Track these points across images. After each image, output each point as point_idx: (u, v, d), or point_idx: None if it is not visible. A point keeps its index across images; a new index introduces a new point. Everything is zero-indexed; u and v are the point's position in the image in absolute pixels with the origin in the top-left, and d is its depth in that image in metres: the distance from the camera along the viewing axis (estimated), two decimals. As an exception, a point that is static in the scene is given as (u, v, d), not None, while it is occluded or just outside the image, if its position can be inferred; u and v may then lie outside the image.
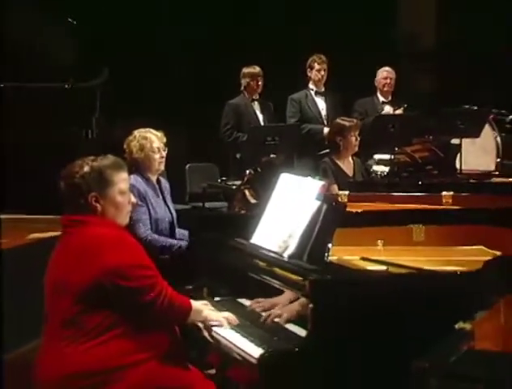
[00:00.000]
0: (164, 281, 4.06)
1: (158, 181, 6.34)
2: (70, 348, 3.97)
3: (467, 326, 3.01)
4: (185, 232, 6.14)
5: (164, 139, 6.28)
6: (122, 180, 4.12)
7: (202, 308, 4.22)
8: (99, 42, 9.13)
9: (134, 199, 4.30)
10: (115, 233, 4.08)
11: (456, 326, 3.02)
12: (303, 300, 3.91)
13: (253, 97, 9.52)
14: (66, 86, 8.25)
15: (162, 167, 6.30)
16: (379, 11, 11.35)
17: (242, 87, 9.51)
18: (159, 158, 6.24)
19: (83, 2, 9.27)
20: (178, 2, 10.79)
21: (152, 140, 6.21)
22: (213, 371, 4.40)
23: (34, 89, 8.34)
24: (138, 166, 6.19)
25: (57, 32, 8.90)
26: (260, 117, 9.50)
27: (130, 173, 6.13)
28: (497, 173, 7.66)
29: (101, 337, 3.95)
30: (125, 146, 6.24)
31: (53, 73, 8.50)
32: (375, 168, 8.53)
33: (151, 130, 6.27)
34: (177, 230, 6.30)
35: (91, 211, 4.07)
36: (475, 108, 8.29)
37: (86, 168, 4.06)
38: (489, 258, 4.19)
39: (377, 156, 8.53)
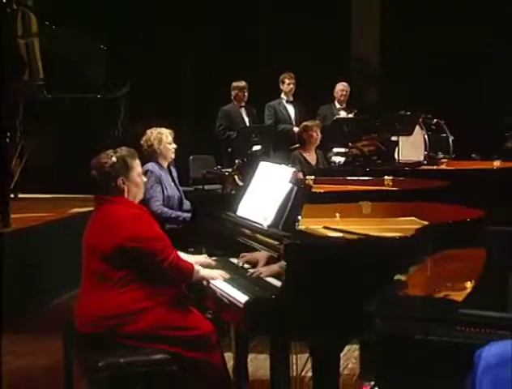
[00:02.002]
0: (173, 249, 4.10)
1: (168, 167, 6.35)
2: (99, 295, 3.99)
3: (403, 277, 3.01)
4: (190, 205, 6.18)
5: (173, 135, 6.29)
6: (138, 165, 4.19)
7: (200, 269, 4.22)
8: (122, 63, 9.09)
9: (145, 179, 4.36)
10: (135, 211, 4.16)
11: (395, 277, 3.01)
12: (279, 259, 3.90)
13: (241, 104, 9.58)
14: (99, 96, 8.24)
15: (173, 156, 6.33)
16: (337, 40, 11.40)
17: (232, 97, 9.59)
18: (172, 148, 6.27)
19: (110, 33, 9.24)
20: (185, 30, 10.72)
21: (167, 135, 6.28)
22: (209, 314, 4.38)
23: (75, 99, 8.33)
24: (155, 156, 6.22)
25: (92, 55, 8.86)
26: (246, 119, 9.57)
27: (148, 161, 6.15)
28: (424, 162, 7.68)
29: (123, 288, 3.98)
30: (143, 140, 6.24)
31: (88, 86, 8.48)
32: (334, 158, 8.56)
33: (163, 128, 6.27)
34: (185, 203, 6.33)
35: (118, 192, 4.09)
36: (409, 113, 8.29)
37: (113, 159, 4.07)
38: (419, 226, 4.19)
39: (335, 150, 8.54)
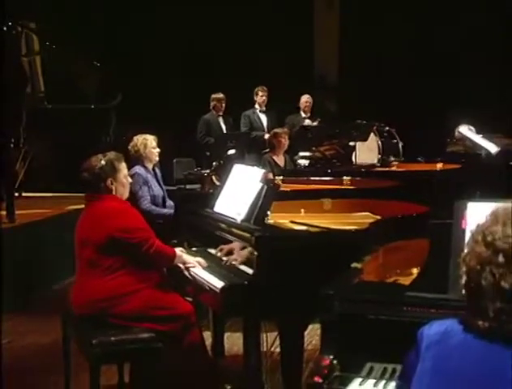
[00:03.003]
0: (156, 238, 4.09)
1: (153, 169, 6.31)
2: (92, 281, 3.98)
3: (359, 265, 3.00)
4: (172, 203, 6.14)
5: (157, 141, 6.26)
6: (124, 167, 4.18)
7: (182, 255, 4.21)
8: (113, 77, 9.06)
9: (131, 180, 4.35)
10: (122, 206, 4.13)
11: (351, 265, 3.01)
12: (250, 249, 3.89)
13: (219, 114, 9.56)
14: (93, 107, 8.20)
15: (157, 159, 6.30)
16: (302, 58, 11.42)
17: (211, 107, 9.55)
18: (156, 153, 6.24)
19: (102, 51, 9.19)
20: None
21: (152, 141, 6.24)
22: (190, 298, 4.37)
23: (72, 109, 8.30)
24: (141, 159, 6.17)
25: (87, 71, 8.82)
26: (223, 127, 9.54)
27: (135, 164, 6.12)
28: (378, 164, 7.68)
29: (113, 274, 3.97)
30: (131, 146, 6.20)
31: (83, 98, 8.44)
32: (299, 161, 8.50)
33: (148, 135, 6.24)
34: (168, 201, 6.29)
35: (107, 191, 4.08)
36: (364, 122, 8.30)
37: (102, 162, 4.06)
38: (373, 220, 4.20)
39: (300, 153, 8.49)
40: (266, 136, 8.96)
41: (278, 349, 3.99)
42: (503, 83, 8.99)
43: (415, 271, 3.01)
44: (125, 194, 4.22)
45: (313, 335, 4.97)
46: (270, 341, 4.31)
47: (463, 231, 2.48)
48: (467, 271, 1.82)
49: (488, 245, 1.78)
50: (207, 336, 4.67)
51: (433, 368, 1.79)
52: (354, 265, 3.01)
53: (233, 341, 5.13)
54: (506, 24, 10.14)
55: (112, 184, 4.09)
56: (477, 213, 1.92)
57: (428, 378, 1.79)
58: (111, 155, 4.17)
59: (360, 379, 2.54)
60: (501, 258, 1.76)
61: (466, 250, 1.84)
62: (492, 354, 1.75)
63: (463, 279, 1.84)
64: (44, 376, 4.82)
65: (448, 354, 1.79)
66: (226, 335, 5.01)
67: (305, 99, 10.03)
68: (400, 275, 3.09)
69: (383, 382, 2.51)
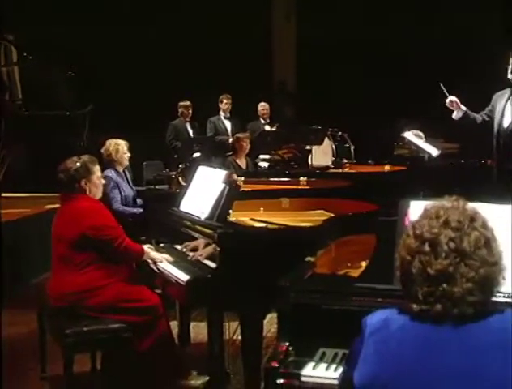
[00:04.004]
0: (125, 235, 4.07)
1: (124, 171, 6.25)
2: (66, 276, 3.95)
3: (312, 259, 3.01)
4: (140, 200, 6.11)
5: (128, 145, 6.20)
6: (98, 169, 4.14)
7: (150, 252, 4.19)
8: (87, 85, 9.00)
9: (103, 182, 4.31)
10: (95, 205, 4.09)
11: (305, 259, 3.02)
12: (213, 245, 3.88)
13: (186, 120, 9.54)
14: (67, 113, 8.13)
15: (128, 162, 6.23)
16: (262, 67, 11.42)
17: (179, 113, 9.53)
18: (127, 157, 6.18)
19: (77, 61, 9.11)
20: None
21: (123, 146, 6.14)
22: (158, 291, 4.34)
23: (48, 115, 8.21)
24: (113, 163, 6.10)
25: (62, 80, 8.75)
26: (190, 132, 9.51)
27: (107, 167, 6.06)
28: (332, 166, 7.72)
29: (85, 269, 3.94)
30: (103, 150, 6.13)
31: (59, 105, 8.37)
32: (260, 164, 8.55)
33: (119, 140, 6.18)
34: (138, 200, 6.25)
35: (81, 191, 4.04)
36: (319, 127, 8.34)
37: (77, 164, 4.02)
38: (326, 217, 4.21)
39: (261, 156, 8.53)
40: (230, 140, 8.95)
41: (239, 337, 3.97)
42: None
43: (363, 263, 3.02)
44: (98, 195, 4.19)
45: (272, 323, 4.95)
46: (232, 330, 4.31)
47: (406, 227, 2.50)
48: (401, 262, 1.86)
49: (417, 236, 1.83)
50: (174, 326, 4.65)
51: (376, 352, 1.82)
52: (308, 259, 3.02)
53: (198, 330, 5.11)
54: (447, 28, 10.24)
55: (86, 185, 4.06)
56: (419, 211, 1.93)
57: (372, 361, 1.81)
58: (85, 158, 4.14)
59: (313, 363, 2.55)
60: (426, 247, 1.80)
61: (399, 244, 1.87)
62: (425, 333, 1.79)
63: (398, 270, 1.87)
64: (21, 364, 4.76)
65: (388, 338, 1.82)
66: (192, 324, 4.99)
67: (262, 106, 10.02)
68: (350, 267, 3.10)
69: (334, 365, 2.53)
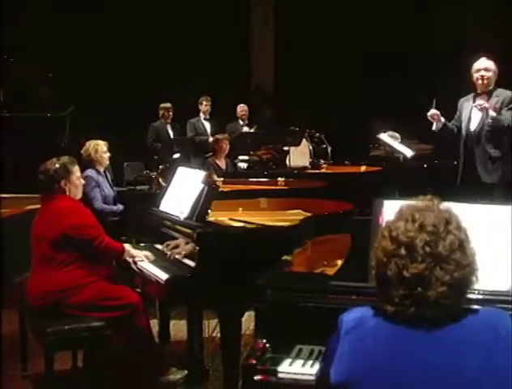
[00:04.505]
0: (105, 234, 4.05)
1: (104, 172, 6.22)
2: (47, 274, 3.92)
3: (289, 257, 3.01)
4: (121, 206, 6.07)
5: (108, 146, 6.16)
6: (77, 170, 4.12)
7: (130, 250, 4.17)
8: (68, 87, 8.94)
9: (83, 182, 4.28)
10: (75, 205, 4.06)
11: (282, 257, 3.01)
12: (193, 244, 3.87)
13: (167, 121, 9.50)
14: (49, 115, 8.08)
15: (108, 162, 6.20)
16: (241, 71, 11.42)
17: (160, 115, 9.48)
18: (107, 157, 6.14)
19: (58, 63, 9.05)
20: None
21: (102, 146, 6.11)
22: (139, 289, 4.33)
23: (29, 117, 8.14)
24: (93, 163, 6.06)
25: (43, 82, 8.69)
26: (171, 133, 9.46)
27: (87, 167, 6.02)
28: (309, 167, 7.73)
29: (66, 268, 3.91)
30: (83, 150, 6.09)
31: (40, 107, 8.31)
32: (239, 164, 8.54)
33: (99, 140, 6.14)
34: (118, 204, 6.20)
35: (61, 192, 4.02)
36: (297, 128, 8.35)
37: (57, 165, 4.00)
38: (303, 217, 4.22)
39: (240, 157, 8.52)
40: (211, 139, 8.94)
41: (218, 335, 3.97)
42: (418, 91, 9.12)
43: (339, 262, 3.03)
44: (78, 195, 4.16)
45: (250, 321, 4.94)
46: (212, 327, 4.31)
47: (380, 226, 2.49)
48: (376, 263, 1.85)
49: (393, 239, 1.81)
50: (154, 324, 4.63)
51: (351, 350, 1.82)
52: (285, 257, 3.01)
53: (178, 328, 5.09)
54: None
55: (65, 185, 4.03)
56: (393, 210, 1.93)
57: (347, 358, 1.81)
58: (64, 158, 4.12)
59: (289, 360, 2.55)
60: (402, 251, 1.79)
61: (375, 244, 1.87)
62: (399, 333, 1.79)
63: (373, 270, 1.86)
64: (2, 362, 4.70)
65: (363, 336, 1.82)
66: (172, 322, 4.98)
67: (241, 108, 10.00)
68: (326, 266, 3.10)
69: (310, 362, 2.53)
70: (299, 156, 8.10)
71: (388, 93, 9.93)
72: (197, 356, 4.36)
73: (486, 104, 5.35)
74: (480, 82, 5.54)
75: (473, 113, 5.60)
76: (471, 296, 2.18)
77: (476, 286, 1.89)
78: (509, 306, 2.37)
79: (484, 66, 5.55)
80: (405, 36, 10.50)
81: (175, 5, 10.95)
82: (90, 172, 5.95)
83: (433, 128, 5.72)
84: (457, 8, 9.87)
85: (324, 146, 8.58)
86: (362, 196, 3.79)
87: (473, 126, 5.59)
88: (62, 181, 4.01)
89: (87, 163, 6.01)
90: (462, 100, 5.77)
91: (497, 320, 1.81)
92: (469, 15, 9.77)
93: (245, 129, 9.70)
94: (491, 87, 5.57)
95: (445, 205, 1.89)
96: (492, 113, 5.33)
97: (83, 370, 4.31)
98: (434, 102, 5.68)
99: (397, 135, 8.12)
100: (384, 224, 1.90)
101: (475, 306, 1.92)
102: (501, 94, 5.54)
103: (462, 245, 1.81)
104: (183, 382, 4.24)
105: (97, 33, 10.53)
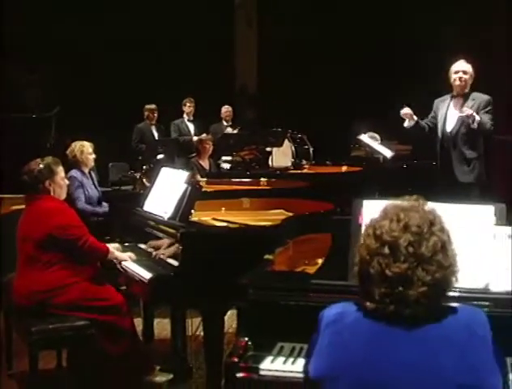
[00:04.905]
0: (90, 235, 4.02)
1: (89, 172, 6.19)
2: (32, 274, 3.90)
3: (271, 257, 3.01)
4: (106, 204, 6.04)
5: (93, 147, 6.14)
6: (61, 170, 4.10)
7: (114, 252, 4.15)
8: (53, 87, 8.89)
9: (68, 182, 4.26)
10: (60, 205, 4.04)
11: (264, 257, 3.02)
12: (176, 244, 3.86)
13: (152, 123, 9.45)
14: (34, 116, 8.03)
15: (93, 163, 6.17)
16: (225, 72, 11.41)
17: (145, 117, 9.43)
18: (92, 158, 6.12)
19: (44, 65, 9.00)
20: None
21: (88, 147, 6.09)
22: (122, 288, 4.31)
23: (16, 118, 8.08)
24: (78, 164, 6.04)
25: (29, 84, 8.64)
26: (156, 134, 9.41)
27: (72, 168, 5.99)
28: (291, 167, 7.74)
29: (51, 268, 3.89)
30: (68, 151, 6.07)
31: (26, 108, 8.25)
32: (223, 165, 8.54)
33: (84, 141, 6.12)
34: (103, 203, 6.18)
35: (45, 192, 4.00)
36: (280, 129, 8.35)
37: (41, 166, 3.99)
38: (285, 217, 4.22)
39: (223, 158, 8.52)
40: (195, 138, 8.93)
41: (202, 333, 3.96)
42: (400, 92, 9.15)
43: (320, 261, 3.03)
44: (63, 195, 4.14)
45: (233, 319, 4.95)
46: (195, 326, 4.31)
47: (360, 225, 2.52)
48: (359, 261, 1.86)
49: (377, 238, 1.82)
50: (139, 323, 4.61)
51: (330, 343, 1.82)
52: (267, 256, 3.01)
53: (162, 326, 5.08)
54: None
55: (50, 185, 4.01)
56: (372, 210, 1.94)
57: (326, 353, 1.82)
58: (49, 159, 4.10)
59: (271, 357, 2.55)
60: (386, 250, 1.79)
61: (360, 242, 1.87)
62: (378, 330, 1.79)
63: (356, 267, 1.87)
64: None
65: (343, 330, 1.83)
66: (156, 321, 4.95)
67: (225, 109, 10.01)
68: (307, 264, 3.11)
69: (292, 359, 2.54)
70: (281, 156, 8.11)
71: (369, 94, 9.95)
72: (180, 354, 4.35)
73: (470, 111, 5.39)
74: (457, 83, 5.58)
75: (449, 115, 5.64)
76: (450, 294, 2.20)
77: (456, 284, 1.90)
78: (486, 303, 2.41)
79: (462, 68, 5.60)
80: (388, 38, 10.52)
81: (159, 7, 10.92)
82: (74, 172, 5.94)
83: (405, 125, 5.78)
84: (440, 9, 9.89)
85: (306, 146, 8.59)
86: (343, 196, 3.80)
87: (449, 127, 5.62)
88: (47, 182, 3.99)
89: (72, 164, 5.99)
90: (437, 100, 5.81)
91: (472, 319, 1.82)
92: (455, 17, 9.79)
93: (229, 130, 9.70)
94: (467, 90, 5.61)
95: (430, 206, 1.89)
96: (477, 118, 5.37)
97: (67, 369, 4.29)
98: (405, 105, 5.75)
99: (377, 136, 8.15)
100: (369, 222, 1.90)
101: (454, 304, 1.93)
102: (478, 97, 5.58)
103: (444, 246, 1.81)
104: (167, 381, 4.23)
105: (82, 34, 10.45)
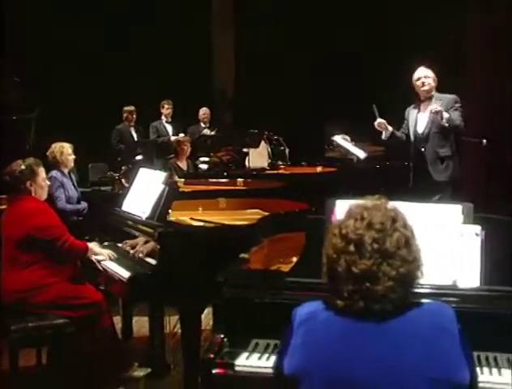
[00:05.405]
0: (69, 234, 4.02)
1: (69, 173, 6.17)
2: (12, 274, 3.89)
3: (246, 255, 3.02)
4: (85, 204, 6.02)
5: (73, 148, 6.12)
6: (42, 171, 4.10)
7: (93, 248, 4.15)
8: (33, 88, 8.81)
9: (49, 183, 4.26)
10: (40, 206, 4.04)
11: (240, 255, 3.03)
12: (154, 243, 3.86)
13: (130, 124, 9.38)
14: (14, 117, 7.95)
15: (72, 164, 6.16)
16: (203, 75, 11.39)
17: (124, 118, 9.38)
18: (71, 159, 6.10)
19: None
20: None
21: (67, 148, 6.09)
22: (102, 287, 4.29)
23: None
24: (58, 164, 6.02)
25: (7, 85, 8.55)
26: (134, 135, 9.35)
27: (52, 169, 5.97)
28: (268, 168, 7.74)
29: (31, 267, 3.88)
30: (48, 152, 6.05)
31: (5, 110, 8.16)
32: (200, 165, 8.51)
33: (64, 142, 6.10)
34: (82, 202, 6.16)
35: (26, 192, 3.99)
36: (256, 131, 8.35)
37: (22, 167, 3.98)
38: (261, 216, 4.24)
39: (201, 159, 8.50)
40: (173, 138, 8.91)
41: (179, 331, 3.96)
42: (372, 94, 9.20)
43: (294, 259, 3.05)
44: (44, 196, 4.14)
45: (211, 317, 4.96)
46: (173, 324, 4.30)
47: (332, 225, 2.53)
48: (327, 259, 1.88)
49: (343, 237, 1.85)
50: (118, 321, 4.62)
51: (303, 342, 1.84)
52: (242, 255, 3.03)
53: (141, 324, 5.07)
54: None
55: (31, 186, 4.01)
56: (344, 209, 1.95)
57: (299, 351, 1.84)
58: (30, 160, 4.10)
59: (246, 354, 2.57)
60: (352, 248, 1.82)
61: (326, 242, 1.89)
62: (348, 327, 1.82)
63: (324, 266, 1.88)
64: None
65: (315, 328, 1.85)
66: (135, 319, 4.95)
67: (203, 111, 10.00)
68: (282, 263, 3.13)
69: (266, 355, 2.55)
70: (258, 157, 8.12)
71: (343, 95, 9.98)
72: (159, 351, 4.35)
73: (439, 107, 5.43)
74: (423, 88, 5.62)
75: (419, 117, 5.69)
76: (419, 290, 2.23)
77: (425, 281, 1.92)
78: (454, 299, 2.44)
79: (423, 74, 5.65)
80: (360, 40, 10.56)
81: (138, 7, 10.87)
82: (55, 173, 5.94)
83: (383, 137, 5.80)
84: (413, 11, 9.94)
85: (282, 147, 8.61)
86: (318, 196, 3.82)
87: (420, 129, 5.67)
88: (28, 182, 3.99)
89: (52, 164, 5.97)
90: (408, 109, 5.86)
91: (440, 314, 1.85)
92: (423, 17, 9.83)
93: (206, 131, 9.70)
94: (433, 93, 5.66)
95: (392, 204, 1.92)
96: (446, 115, 5.41)
97: (47, 367, 4.28)
98: (376, 110, 5.75)
99: (347, 138, 8.18)
100: (335, 223, 1.93)
101: (423, 300, 1.95)
102: (443, 98, 5.64)
103: (408, 241, 1.84)
104: (145, 377, 4.23)
105: (62, 34, 10.33)
